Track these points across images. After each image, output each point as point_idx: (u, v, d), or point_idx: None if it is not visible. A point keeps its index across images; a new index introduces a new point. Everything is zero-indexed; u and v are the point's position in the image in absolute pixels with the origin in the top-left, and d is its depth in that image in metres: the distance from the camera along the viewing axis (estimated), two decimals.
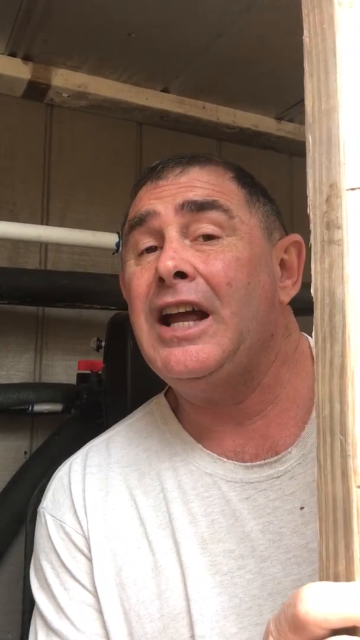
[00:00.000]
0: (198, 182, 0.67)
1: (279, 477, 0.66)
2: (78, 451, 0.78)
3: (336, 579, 0.38)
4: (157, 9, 1.29)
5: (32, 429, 1.50)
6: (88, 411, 1.26)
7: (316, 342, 0.40)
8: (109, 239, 1.21)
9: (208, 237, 0.66)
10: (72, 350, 1.54)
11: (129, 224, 0.70)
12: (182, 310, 0.64)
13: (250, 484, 0.67)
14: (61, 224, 1.55)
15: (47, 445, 1.40)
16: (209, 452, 0.70)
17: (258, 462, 0.67)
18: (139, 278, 0.68)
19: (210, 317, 0.64)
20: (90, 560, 0.69)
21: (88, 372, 1.31)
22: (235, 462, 0.68)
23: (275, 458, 0.67)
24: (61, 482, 0.75)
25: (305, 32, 0.45)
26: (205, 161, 0.70)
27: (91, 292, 1.42)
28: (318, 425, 0.40)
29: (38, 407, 1.36)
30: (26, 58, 1.50)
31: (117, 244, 1.21)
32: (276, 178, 1.90)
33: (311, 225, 0.42)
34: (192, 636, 0.63)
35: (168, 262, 0.63)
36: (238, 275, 0.64)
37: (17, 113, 1.58)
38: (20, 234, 1.17)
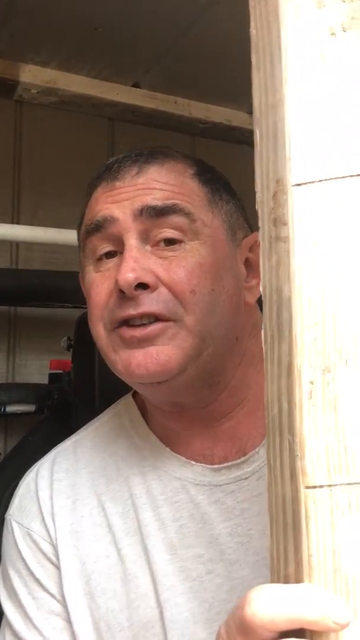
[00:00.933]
0: (157, 183, 0.64)
1: (247, 478, 0.65)
2: (45, 456, 0.77)
3: (286, 581, 0.37)
4: (122, 2, 1.28)
5: (5, 430, 1.48)
6: (60, 411, 1.25)
7: (265, 340, 0.40)
8: (75, 236, 1.20)
9: (170, 242, 0.63)
10: (46, 349, 1.52)
11: (86, 229, 0.67)
12: (145, 321, 0.61)
13: (218, 487, 0.66)
14: (32, 222, 1.53)
15: (21, 446, 1.39)
16: (178, 455, 0.68)
17: (226, 464, 0.66)
18: (98, 286, 0.65)
19: (170, 322, 0.62)
20: (58, 568, 0.68)
21: (60, 371, 1.30)
22: (203, 465, 0.67)
23: (243, 459, 0.66)
24: (28, 488, 0.74)
25: (252, 24, 0.44)
26: (163, 158, 0.67)
27: (62, 290, 1.40)
28: (267, 425, 0.40)
29: (10, 408, 1.34)
30: None
31: None
32: (250, 173, 1.89)
33: (259, 222, 0.41)
34: None
35: (129, 274, 0.60)
36: (202, 282, 0.62)
37: None
38: None
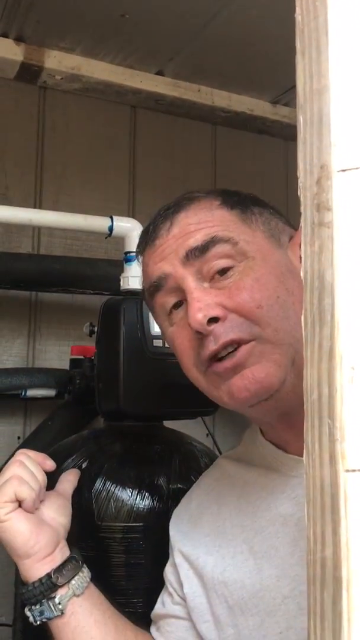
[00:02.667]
0: (191, 226, 0.68)
1: None
2: (210, 467, 0.86)
3: (323, 563, 0.38)
4: None
5: (25, 414, 1.50)
6: (81, 396, 1.25)
7: (305, 325, 0.40)
8: (101, 222, 1.20)
9: (223, 271, 0.67)
10: (66, 335, 1.53)
11: (148, 292, 0.73)
12: (230, 349, 0.65)
13: None
14: (54, 207, 1.53)
15: (41, 430, 1.40)
16: (293, 455, 0.72)
17: None
18: (178, 337, 0.70)
19: (253, 342, 0.65)
20: (192, 566, 0.77)
21: (81, 357, 1.31)
22: None
23: None
24: (193, 488, 0.85)
25: (297, 9, 0.44)
26: (188, 203, 0.71)
27: (84, 277, 1.41)
28: (306, 409, 0.40)
29: (31, 392, 1.35)
30: (18, 39, 1.48)
31: (110, 228, 1.20)
32: (271, 163, 1.89)
33: (301, 208, 0.41)
34: (286, 629, 0.66)
35: (198, 315, 0.64)
36: (265, 294, 0.65)
37: (9, 95, 1.57)
38: (10, 218, 1.16)
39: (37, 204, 1.56)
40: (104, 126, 1.68)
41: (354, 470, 0.36)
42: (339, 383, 0.37)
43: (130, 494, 0.94)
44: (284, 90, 1.74)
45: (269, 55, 1.51)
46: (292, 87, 1.71)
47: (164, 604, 0.81)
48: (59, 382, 1.35)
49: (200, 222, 0.69)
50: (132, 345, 0.98)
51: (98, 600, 0.79)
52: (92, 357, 1.22)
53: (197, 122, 1.79)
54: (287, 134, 1.89)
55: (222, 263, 0.67)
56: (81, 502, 0.93)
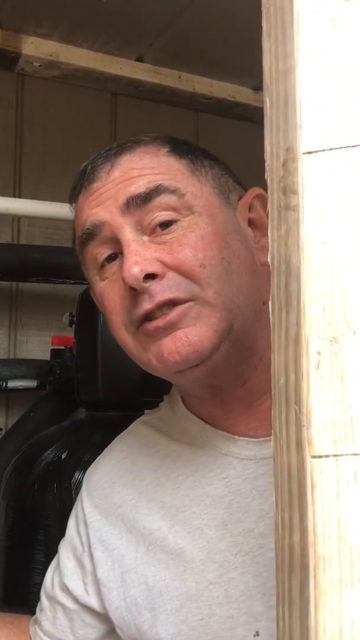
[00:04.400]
0: (134, 170, 0.62)
1: None
2: (125, 431, 0.78)
3: (291, 550, 0.37)
4: None
5: (7, 405, 1.49)
6: (62, 387, 1.25)
7: (272, 311, 0.39)
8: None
9: (165, 225, 0.61)
10: (47, 326, 1.52)
11: (79, 241, 0.65)
12: (165, 310, 0.59)
13: (264, 460, 0.64)
14: (34, 196, 1.52)
15: (23, 421, 1.40)
16: (222, 432, 0.67)
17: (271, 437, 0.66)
18: (109, 293, 0.63)
19: (191, 302, 0.59)
20: (96, 542, 0.72)
21: (62, 347, 1.30)
22: (247, 439, 0.66)
23: None
24: (98, 459, 0.78)
25: None
26: (133, 145, 0.64)
27: (64, 266, 1.40)
28: (274, 395, 0.39)
29: (12, 384, 1.35)
30: None
31: None
32: (254, 150, 1.87)
33: (269, 192, 0.40)
34: (208, 616, 0.63)
35: (133, 269, 0.58)
36: (209, 254, 0.60)
37: None
38: None
39: (17, 193, 1.54)
40: (84, 114, 1.66)
41: (320, 457, 0.36)
42: (305, 369, 0.37)
43: None
44: None
45: (249, 40, 1.49)
46: None
47: (53, 585, 0.75)
48: (39, 373, 1.34)
49: (145, 167, 0.62)
50: (110, 335, 0.97)
51: None
52: (73, 347, 1.21)
53: (179, 109, 1.78)
54: None
55: (165, 215, 0.60)
56: (61, 493, 0.93)
